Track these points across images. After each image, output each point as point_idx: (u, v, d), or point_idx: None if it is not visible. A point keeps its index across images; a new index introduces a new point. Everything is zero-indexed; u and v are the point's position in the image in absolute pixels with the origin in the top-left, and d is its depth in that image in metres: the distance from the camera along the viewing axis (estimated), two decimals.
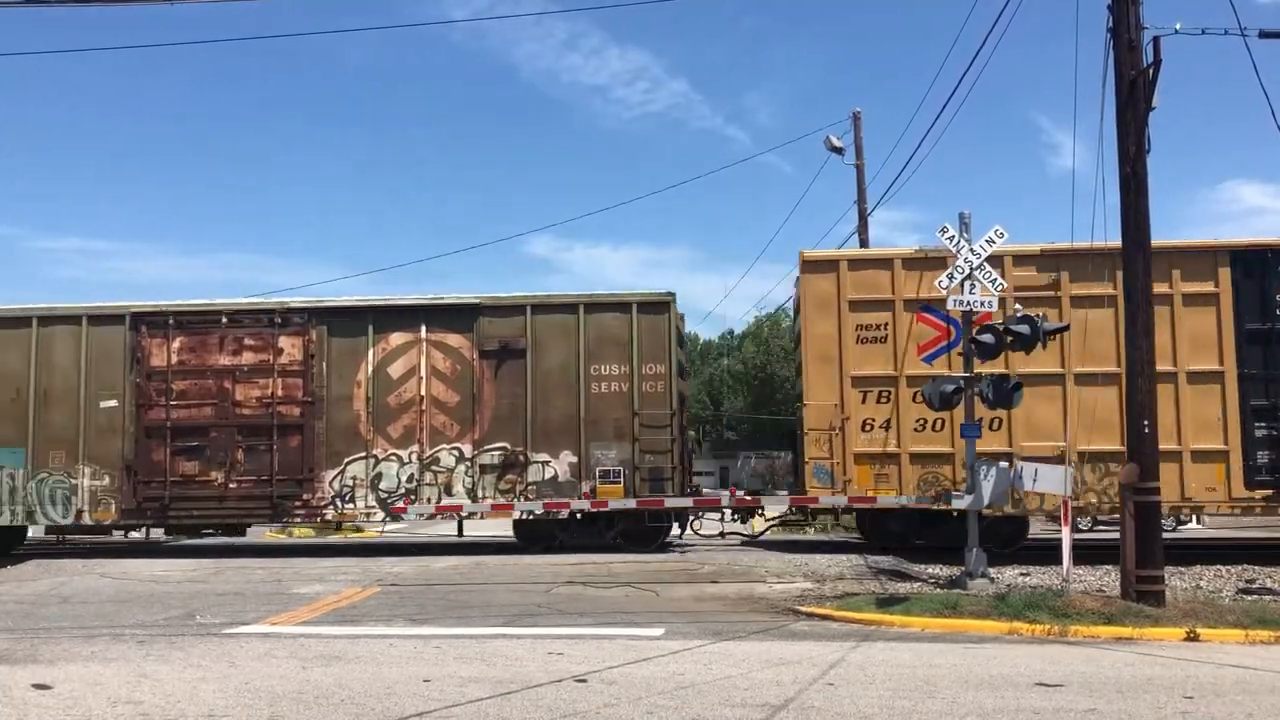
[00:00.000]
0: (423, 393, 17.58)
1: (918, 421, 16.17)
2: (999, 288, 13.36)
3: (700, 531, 19.12)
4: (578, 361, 17.46)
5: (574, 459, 17.31)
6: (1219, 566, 15.14)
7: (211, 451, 17.63)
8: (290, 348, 17.76)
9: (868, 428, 16.28)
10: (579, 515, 17.29)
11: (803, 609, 11.53)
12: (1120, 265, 11.94)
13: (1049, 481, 12.25)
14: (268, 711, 7.21)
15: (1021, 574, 14.42)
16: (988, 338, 12.98)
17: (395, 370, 17.70)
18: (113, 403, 17.75)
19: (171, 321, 17.88)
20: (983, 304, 13.26)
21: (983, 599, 11.67)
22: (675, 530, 18.26)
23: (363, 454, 17.55)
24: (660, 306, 17.67)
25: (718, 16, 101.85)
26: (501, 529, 20.18)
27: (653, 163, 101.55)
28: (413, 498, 17.40)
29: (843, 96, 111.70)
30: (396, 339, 17.74)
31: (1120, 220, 11.68)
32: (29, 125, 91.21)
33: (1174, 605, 11.10)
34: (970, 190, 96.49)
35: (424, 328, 17.72)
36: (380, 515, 17.71)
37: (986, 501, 13.44)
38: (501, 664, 8.80)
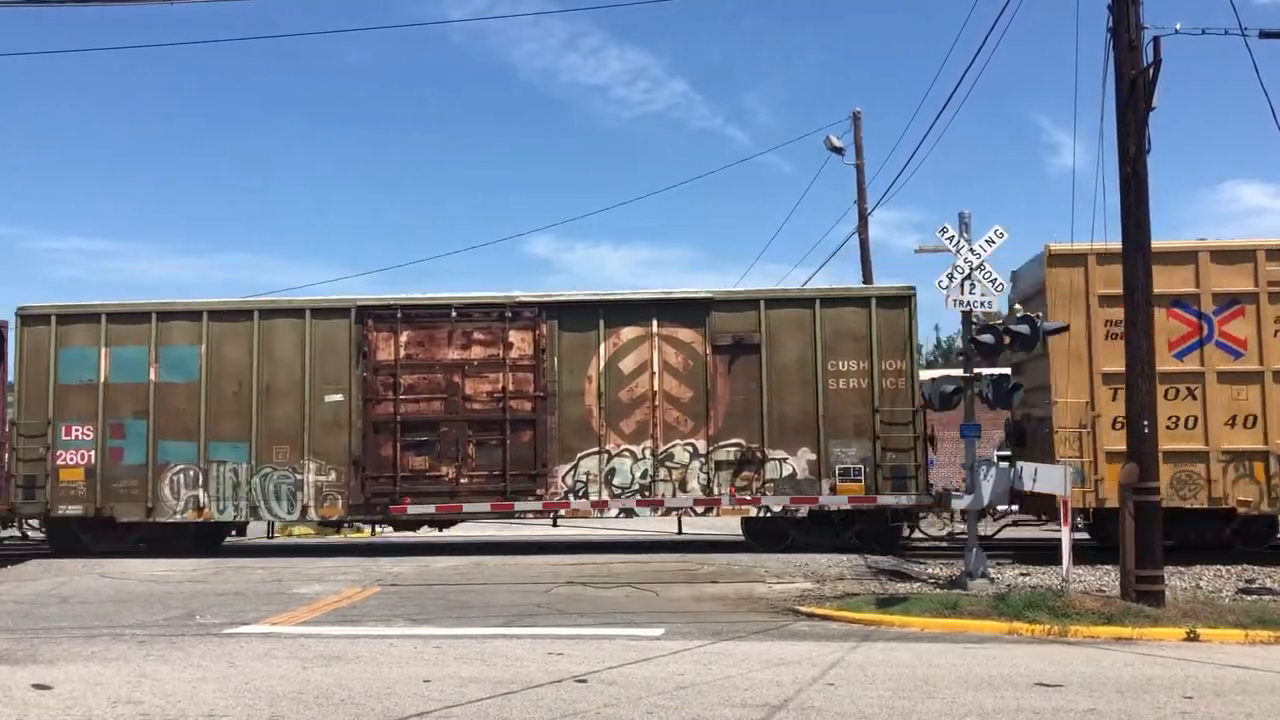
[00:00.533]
0: (655, 388, 17.35)
1: (1170, 419, 15.67)
2: (998, 287, 13.37)
3: (929, 533, 19.00)
4: (814, 357, 17.10)
5: (812, 456, 16.95)
6: (1219, 566, 15.13)
7: (441, 446, 17.37)
8: (520, 342, 17.54)
9: (1118, 425, 15.60)
10: (795, 515, 17.02)
11: (802, 609, 11.53)
12: None
13: (1048, 481, 12.26)
14: (268, 711, 7.22)
15: (1021, 574, 14.43)
16: (988, 338, 13.00)
17: (626, 365, 17.48)
18: (338, 397, 17.48)
19: (399, 315, 17.60)
20: (983, 304, 13.27)
21: (983, 599, 11.68)
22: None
23: (595, 449, 17.32)
24: (900, 301, 17.27)
25: (717, 16, 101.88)
26: (719, 526, 19.94)
27: (653, 163, 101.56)
28: (647, 493, 17.22)
29: (843, 96, 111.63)
30: (627, 333, 17.50)
31: (1120, 220, 11.70)
32: (30, 125, 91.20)
33: (1174, 605, 11.11)
34: (970, 190, 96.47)
35: (655, 322, 17.46)
36: (614, 511, 17.53)
37: (986, 501, 13.45)
38: (501, 664, 8.80)
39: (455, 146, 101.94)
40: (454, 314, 17.64)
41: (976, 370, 13.71)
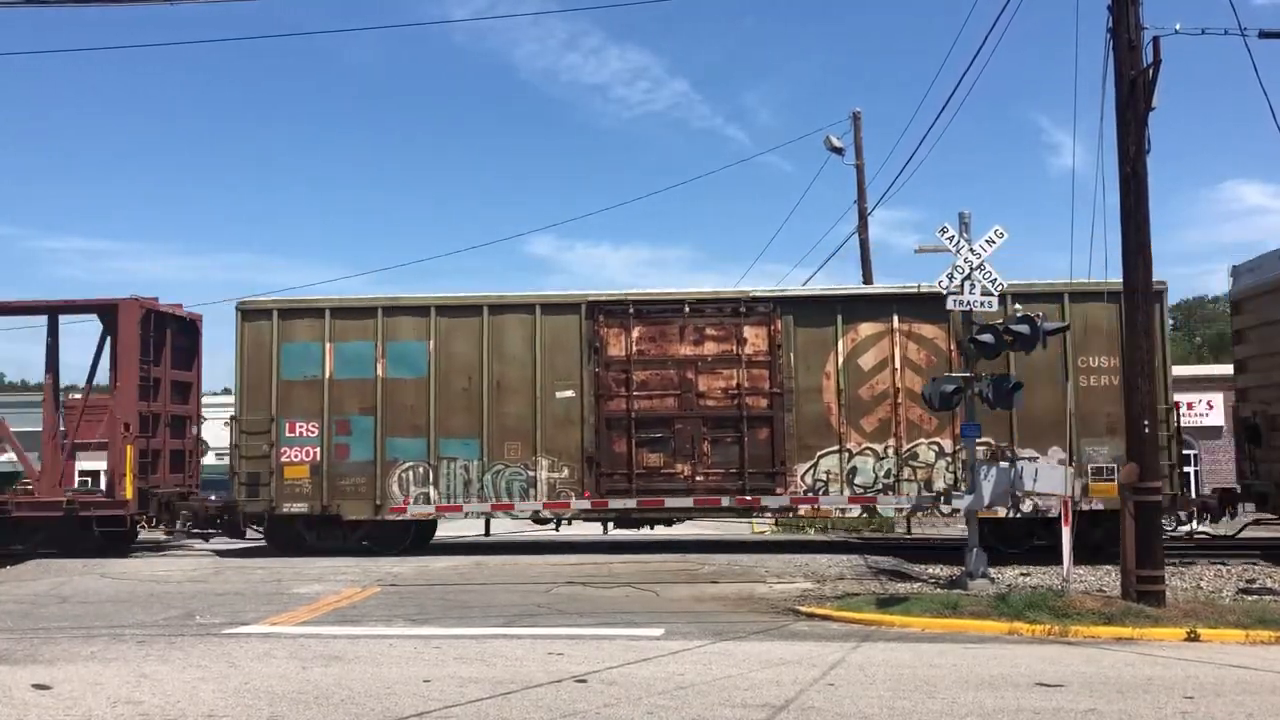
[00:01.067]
0: (897, 384, 17.02)
1: None
2: (998, 286, 13.37)
3: (1169, 533, 18.78)
4: (1063, 352, 16.54)
5: (1063, 455, 16.21)
6: (1219, 566, 15.14)
7: (676, 443, 17.17)
8: (754, 338, 17.30)
9: None
10: (1046, 515, 16.34)
11: (803, 609, 11.53)
12: None
13: (1049, 482, 12.25)
14: (267, 711, 7.21)
15: (1022, 574, 14.44)
16: (987, 337, 12.99)
17: (866, 361, 17.18)
18: (569, 393, 17.30)
19: (631, 311, 17.42)
20: (982, 304, 13.27)
21: (983, 599, 11.68)
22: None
23: (835, 447, 17.02)
24: (1153, 296, 17.05)
25: (717, 16, 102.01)
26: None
27: (653, 163, 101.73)
28: (891, 493, 16.84)
29: (843, 96, 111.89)
30: (866, 329, 17.20)
31: (1120, 220, 11.69)
32: (30, 125, 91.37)
33: (1174, 605, 11.10)
34: (970, 190, 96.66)
35: (895, 318, 17.14)
36: (856, 510, 17.18)
37: (987, 502, 13.44)
38: (501, 664, 8.80)
39: (455, 146, 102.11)
40: (686, 309, 17.44)
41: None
